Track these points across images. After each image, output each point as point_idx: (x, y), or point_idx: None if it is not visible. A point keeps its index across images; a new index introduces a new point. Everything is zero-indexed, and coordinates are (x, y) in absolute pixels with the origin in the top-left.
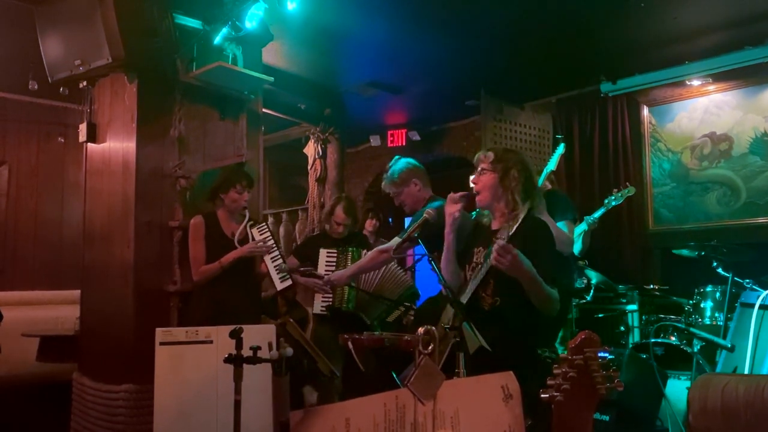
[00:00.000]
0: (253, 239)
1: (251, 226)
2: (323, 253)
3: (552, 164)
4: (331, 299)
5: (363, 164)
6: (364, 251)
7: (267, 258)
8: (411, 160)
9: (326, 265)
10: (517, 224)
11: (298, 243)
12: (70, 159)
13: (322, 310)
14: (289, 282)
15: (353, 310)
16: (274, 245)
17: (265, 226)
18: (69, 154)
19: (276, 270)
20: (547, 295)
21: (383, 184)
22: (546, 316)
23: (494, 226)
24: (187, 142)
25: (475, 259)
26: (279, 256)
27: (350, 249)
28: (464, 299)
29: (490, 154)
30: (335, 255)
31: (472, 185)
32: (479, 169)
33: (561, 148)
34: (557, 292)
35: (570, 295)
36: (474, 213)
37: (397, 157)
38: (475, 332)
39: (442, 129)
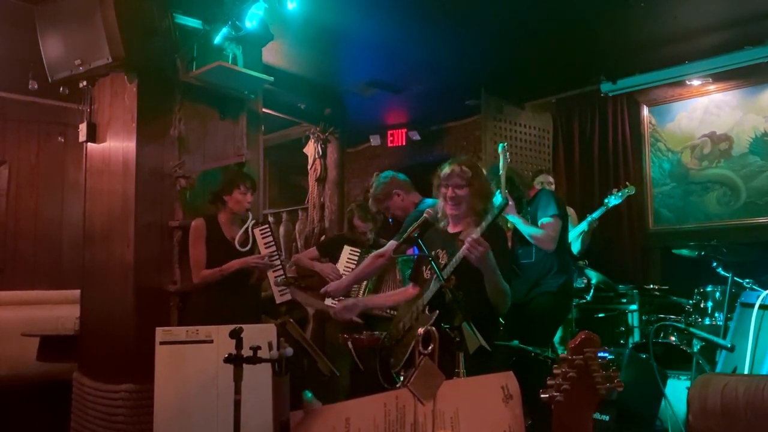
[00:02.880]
0: (254, 240)
1: (253, 227)
2: (347, 249)
3: (501, 168)
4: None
5: (363, 164)
6: None
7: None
8: (388, 172)
9: (347, 262)
10: (482, 228)
11: (299, 243)
12: (70, 159)
13: (334, 303)
14: (288, 297)
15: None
16: (276, 255)
17: (268, 228)
18: (69, 153)
19: (276, 282)
20: (503, 289)
21: (370, 203)
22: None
23: (451, 229)
24: (187, 142)
25: (439, 260)
26: (280, 267)
27: (373, 251)
28: (428, 296)
29: (467, 171)
30: (358, 254)
31: (450, 197)
32: (457, 182)
33: (500, 147)
34: (509, 287)
35: (570, 296)
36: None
37: (376, 173)
38: (475, 332)
39: (442, 128)
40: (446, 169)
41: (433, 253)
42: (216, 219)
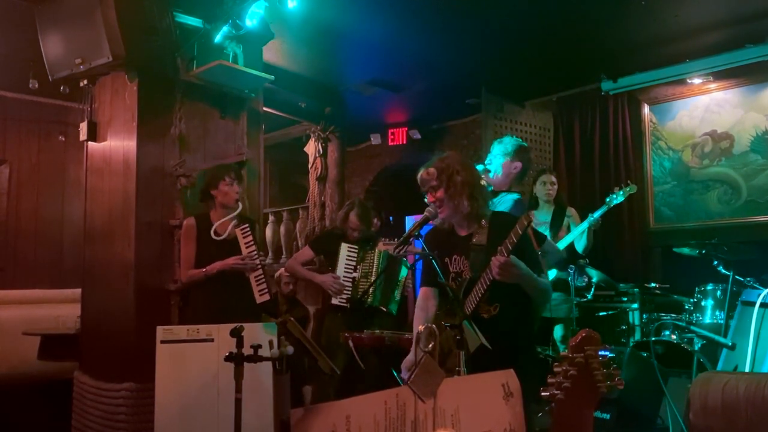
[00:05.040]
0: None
1: (234, 226)
2: (344, 247)
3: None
4: (349, 293)
5: (363, 163)
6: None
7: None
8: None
9: (347, 260)
10: (487, 229)
11: (299, 242)
12: (71, 157)
13: (341, 302)
14: (267, 297)
15: (378, 304)
16: (256, 255)
17: (248, 228)
18: (69, 152)
19: (257, 282)
20: (543, 287)
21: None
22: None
23: (461, 232)
24: (187, 141)
25: (452, 269)
26: (260, 267)
27: (376, 250)
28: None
29: (433, 171)
30: (356, 251)
31: (429, 203)
32: (429, 186)
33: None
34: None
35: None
36: None
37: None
38: (476, 330)
39: (442, 127)
40: (417, 178)
41: (446, 259)
42: (208, 217)
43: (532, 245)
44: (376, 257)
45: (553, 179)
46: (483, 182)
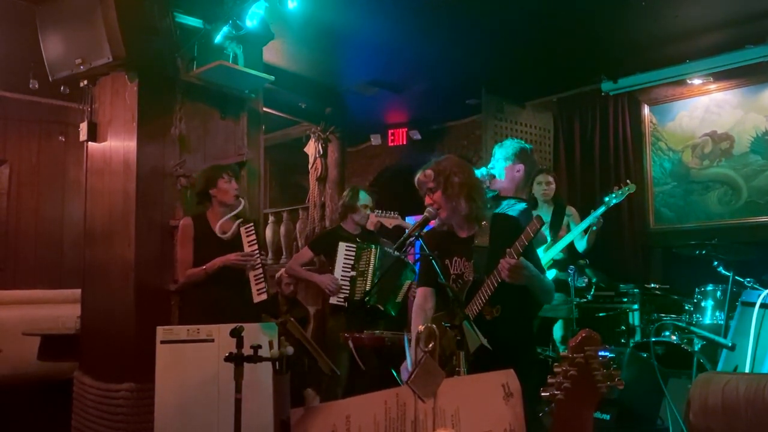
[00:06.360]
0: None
1: (240, 224)
2: (342, 246)
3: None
4: (347, 291)
5: (364, 163)
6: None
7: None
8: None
9: (345, 259)
10: (488, 230)
11: (299, 242)
12: (71, 158)
13: (339, 301)
14: (264, 296)
15: (375, 303)
16: (258, 254)
17: (252, 227)
18: (70, 153)
19: (256, 282)
20: (548, 288)
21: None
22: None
23: (461, 234)
24: (187, 141)
25: (452, 271)
26: (260, 266)
27: (372, 246)
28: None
29: (430, 172)
30: (354, 249)
31: (429, 204)
32: (427, 188)
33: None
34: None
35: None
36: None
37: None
38: (476, 331)
39: (442, 128)
40: (415, 181)
41: (446, 261)
42: (204, 216)
43: (534, 247)
44: (372, 255)
45: (549, 179)
46: (485, 184)
